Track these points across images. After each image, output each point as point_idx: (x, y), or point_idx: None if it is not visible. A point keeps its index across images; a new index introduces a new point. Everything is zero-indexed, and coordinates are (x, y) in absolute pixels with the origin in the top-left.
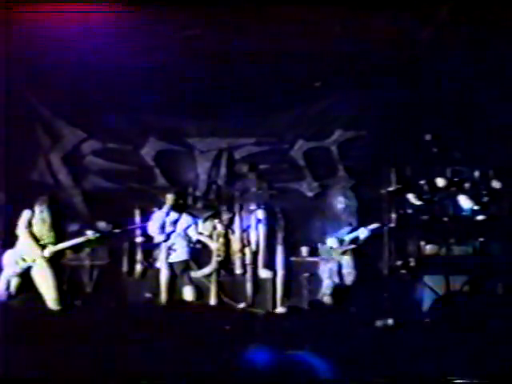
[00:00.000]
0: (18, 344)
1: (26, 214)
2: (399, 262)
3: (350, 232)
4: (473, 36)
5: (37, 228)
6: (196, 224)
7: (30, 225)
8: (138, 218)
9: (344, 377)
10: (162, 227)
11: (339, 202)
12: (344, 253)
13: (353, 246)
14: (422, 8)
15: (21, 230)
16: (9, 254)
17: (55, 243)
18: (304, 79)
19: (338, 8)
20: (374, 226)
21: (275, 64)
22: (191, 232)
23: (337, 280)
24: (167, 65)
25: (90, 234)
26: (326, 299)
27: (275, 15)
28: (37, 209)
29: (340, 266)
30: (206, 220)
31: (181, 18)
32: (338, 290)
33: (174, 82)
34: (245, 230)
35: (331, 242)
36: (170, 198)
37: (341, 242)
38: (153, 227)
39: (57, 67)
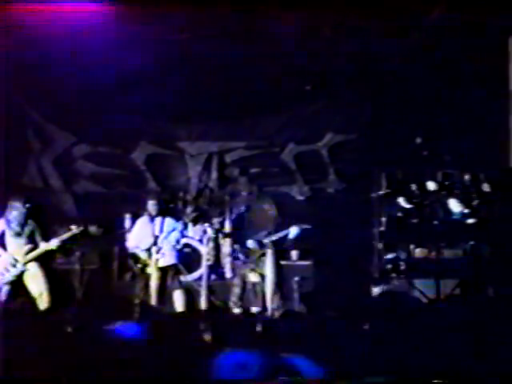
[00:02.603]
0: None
1: None
2: (389, 266)
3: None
4: (464, 39)
5: (16, 232)
6: (181, 227)
7: (2, 236)
8: (128, 222)
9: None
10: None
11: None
12: (263, 254)
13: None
14: (413, 11)
15: None
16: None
17: (35, 248)
18: (294, 83)
19: (328, 11)
20: (305, 226)
21: (265, 67)
22: (176, 235)
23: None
24: (158, 68)
25: (74, 228)
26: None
27: (265, 19)
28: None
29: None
30: (195, 222)
31: (172, 22)
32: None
33: (164, 85)
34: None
35: (251, 244)
36: (152, 205)
37: (260, 244)
38: (137, 234)
39: (48, 71)
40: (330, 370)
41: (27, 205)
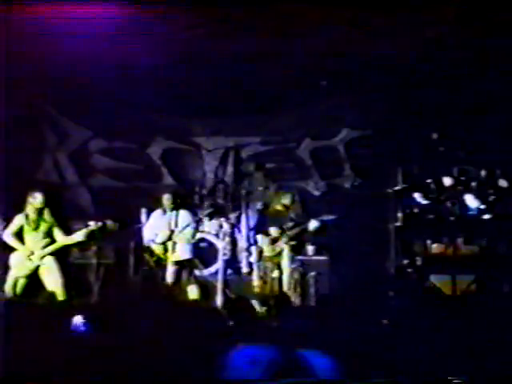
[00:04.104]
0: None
1: (17, 220)
2: (406, 261)
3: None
4: (479, 35)
5: (34, 227)
6: (196, 222)
7: (20, 230)
8: (144, 217)
9: (346, 374)
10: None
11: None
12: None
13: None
14: (428, 8)
15: (7, 234)
16: (16, 255)
17: (52, 242)
18: (310, 78)
19: (343, 7)
20: (327, 217)
21: (282, 63)
22: (190, 230)
23: None
24: (174, 63)
25: (92, 224)
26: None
27: (280, 14)
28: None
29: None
30: (211, 217)
31: (186, 18)
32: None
33: (180, 80)
34: (251, 228)
35: (274, 232)
36: (166, 199)
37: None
38: (151, 228)
39: (63, 66)
40: (343, 367)
41: (45, 200)
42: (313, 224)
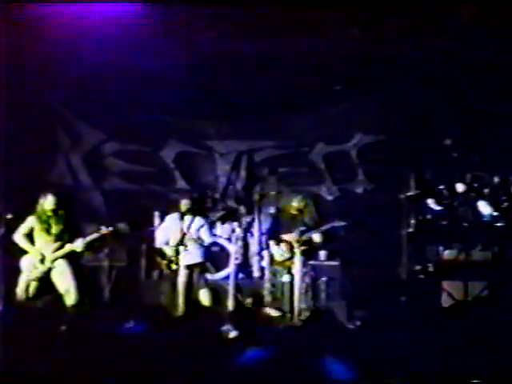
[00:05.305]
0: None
1: (29, 221)
2: (418, 267)
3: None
4: (494, 41)
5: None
6: (208, 225)
7: (30, 231)
8: (156, 220)
9: (359, 377)
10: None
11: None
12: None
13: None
14: (443, 11)
15: (18, 235)
16: (27, 258)
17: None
18: (324, 83)
19: (357, 11)
20: (325, 226)
21: (295, 67)
22: (203, 233)
23: None
24: (187, 67)
25: (103, 228)
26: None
27: (295, 17)
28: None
29: None
30: (223, 221)
31: (200, 21)
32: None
33: (194, 84)
34: (264, 233)
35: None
36: (184, 204)
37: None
38: (164, 231)
39: (77, 69)
40: (356, 371)
41: (57, 201)
42: (317, 237)
